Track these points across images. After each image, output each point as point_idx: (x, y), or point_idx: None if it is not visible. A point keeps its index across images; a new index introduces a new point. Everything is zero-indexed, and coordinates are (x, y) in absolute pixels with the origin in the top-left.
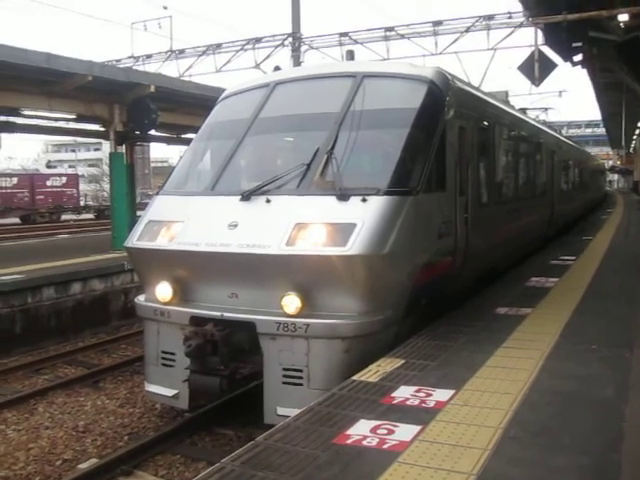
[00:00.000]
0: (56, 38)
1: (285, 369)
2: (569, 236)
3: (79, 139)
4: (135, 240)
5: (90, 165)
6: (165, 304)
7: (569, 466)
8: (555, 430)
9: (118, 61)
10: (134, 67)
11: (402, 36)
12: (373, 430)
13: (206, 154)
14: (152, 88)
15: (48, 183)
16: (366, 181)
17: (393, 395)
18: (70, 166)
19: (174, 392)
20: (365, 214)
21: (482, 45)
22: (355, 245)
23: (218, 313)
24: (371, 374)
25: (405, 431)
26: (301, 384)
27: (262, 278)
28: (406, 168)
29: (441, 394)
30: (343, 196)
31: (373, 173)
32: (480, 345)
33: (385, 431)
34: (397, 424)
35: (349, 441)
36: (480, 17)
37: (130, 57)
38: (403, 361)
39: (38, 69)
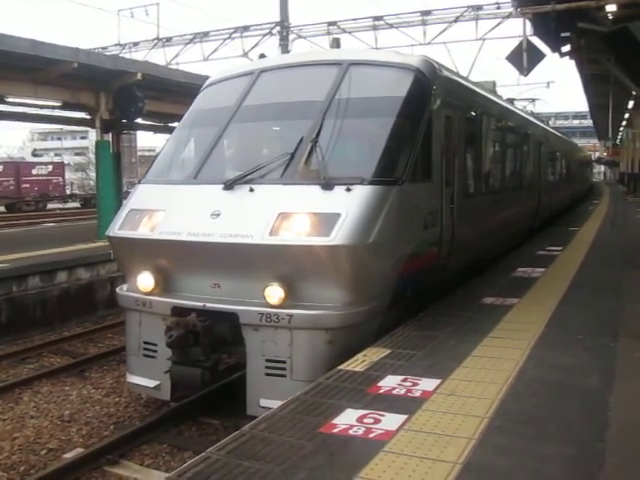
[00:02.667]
0: (41, 25)
1: (268, 360)
2: (556, 227)
3: (65, 127)
4: (117, 229)
5: (76, 153)
6: (147, 294)
7: (555, 455)
8: (541, 419)
9: (104, 48)
10: (121, 55)
11: (391, 26)
12: (359, 419)
13: (189, 142)
14: (139, 76)
15: (34, 171)
16: (351, 170)
17: (379, 384)
18: (56, 154)
19: (156, 383)
20: (349, 204)
21: (470, 35)
22: (339, 235)
23: (200, 303)
24: (357, 363)
25: (391, 420)
26: (284, 375)
27: (245, 268)
28: (391, 158)
29: (427, 384)
30: (327, 185)
31: (358, 162)
32: (466, 335)
33: (371, 420)
34: (383, 413)
35: (335, 430)
36: (469, 7)
37: (117, 44)
38: (389, 351)
39: (23, 56)
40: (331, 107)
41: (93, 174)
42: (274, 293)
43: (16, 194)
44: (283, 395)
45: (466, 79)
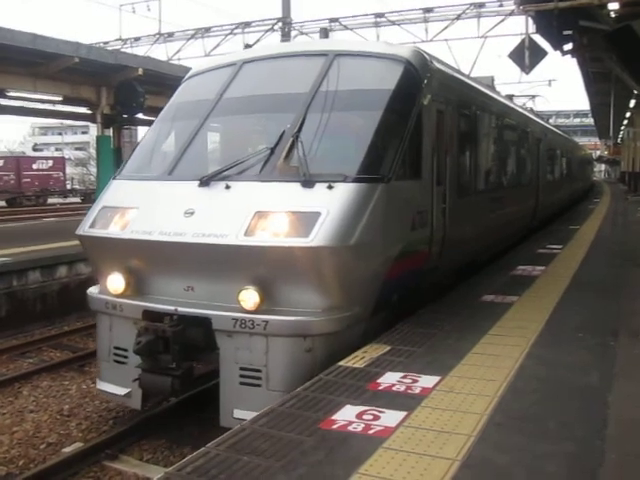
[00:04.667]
0: (42, 19)
1: (242, 369)
2: (556, 225)
3: (66, 122)
4: (87, 227)
5: (77, 148)
6: (117, 296)
7: (554, 452)
8: (540, 417)
9: (106, 43)
10: (122, 50)
11: (392, 22)
12: (359, 416)
13: (167, 136)
14: (140, 71)
15: (34, 166)
16: (334, 167)
17: (379, 381)
18: (57, 149)
19: (126, 391)
20: (331, 202)
21: (472, 33)
22: (318, 236)
23: (172, 307)
24: (357, 360)
25: (391, 417)
26: (259, 385)
27: (219, 270)
28: (377, 154)
29: (427, 380)
30: (308, 183)
31: (341, 159)
32: (466, 332)
33: (371, 417)
34: (383, 410)
35: (335, 426)
36: (471, 5)
37: (118, 39)
38: (389, 347)
39: (24, 50)
40: (315, 100)
41: (94, 169)
42: (249, 297)
43: (17, 189)
44: (258, 406)
45: (461, 73)
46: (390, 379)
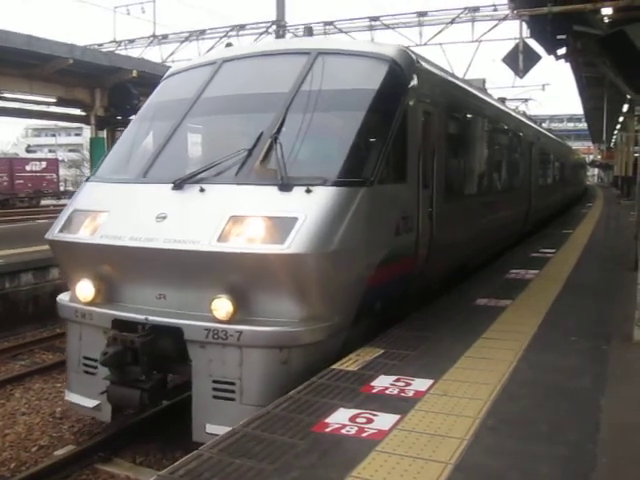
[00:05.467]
0: (36, 20)
1: (215, 381)
2: (549, 229)
3: (60, 123)
4: (56, 232)
5: (70, 150)
6: (87, 304)
7: (547, 456)
8: (533, 420)
9: (100, 45)
10: (116, 52)
11: (387, 26)
12: (352, 419)
13: (143, 137)
14: (134, 73)
15: (27, 168)
16: (313, 170)
17: (372, 384)
18: (50, 151)
19: (96, 403)
20: (309, 207)
21: (467, 37)
22: (295, 242)
23: (142, 316)
24: (351, 363)
25: (384, 420)
26: (233, 399)
27: (191, 278)
28: (359, 156)
29: (420, 384)
30: (285, 186)
31: (322, 161)
32: (459, 336)
33: (364, 420)
34: (376, 413)
35: (328, 429)
36: (465, 9)
37: (112, 41)
38: (383, 350)
39: (18, 51)
40: (295, 100)
41: (87, 171)
42: (221, 306)
43: (9, 190)
44: (232, 421)
45: (450, 74)
46: (383, 382)
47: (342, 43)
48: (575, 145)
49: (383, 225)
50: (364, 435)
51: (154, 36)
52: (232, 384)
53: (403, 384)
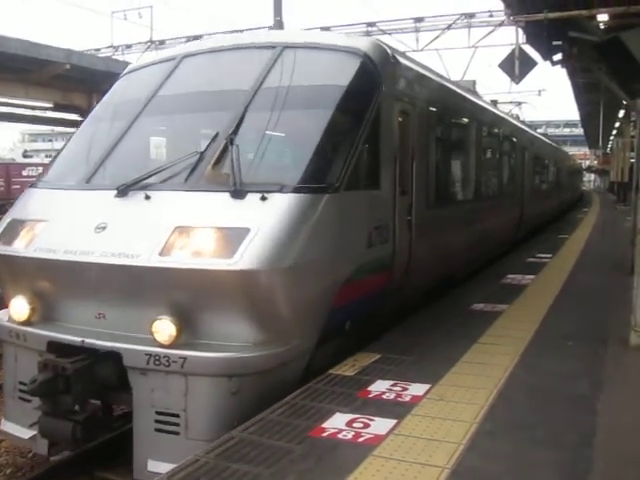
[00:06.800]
0: (33, 25)
1: (158, 413)
2: (545, 234)
3: (56, 129)
4: None
5: None
6: (21, 324)
7: (543, 460)
8: (530, 425)
9: (97, 50)
10: (113, 57)
11: (384, 32)
12: (349, 424)
13: (91, 139)
14: None
15: (24, 173)
16: (272, 175)
17: (369, 389)
18: (47, 156)
19: (31, 434)
20: (263, 217)
21: (463, 43)
22: (245, 257)
23: (79, 338)
24: (347, 368)
25: (380, 425)
26: (177, 433)
27: (131, 296)
28: (323, 160)
29: (417, 388)
30: (238, 193)
31: (282, 165)
32: (456, 340)
33: (360, 425)
34: (373, 418)
35: (324, 434)
36: (461, 15)
37: (109, 47)
38: (379, 355)
39: (15, 56)
40: (256, 98)
41: None
42: (163, 329)
43: (6, 195)
44: (176, 457)
45: (434, 72)
46: (380, 387)
47: (312, 36)
48: (571, 151)
49: (352, 236)
50: (361, 440)
51: (151, 41)
52: (176, 416)
53: (400, 389)
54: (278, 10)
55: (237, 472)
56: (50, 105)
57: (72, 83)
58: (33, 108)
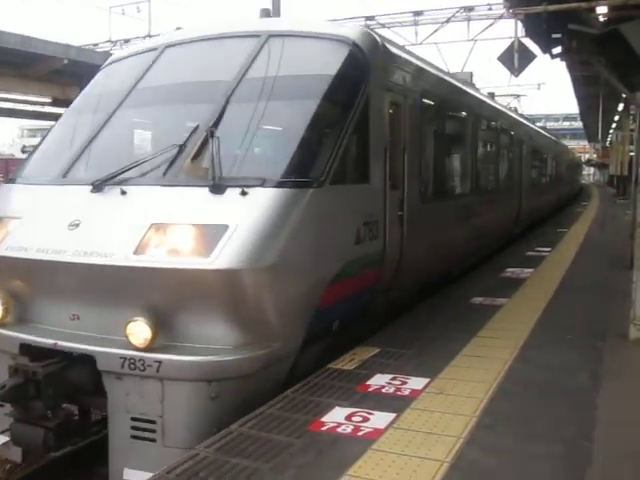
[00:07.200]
0: (30, 20)
1: (134, 419)
2: (544, 228)
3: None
4: None
5: None
6: None
7: (543, 454)
8: (529, 418)
9: (95, 45)
10: (112, 51)
11: (383, 25)
12: (348, 417)
13: (70, 133)
14: None
15: None
16: (253, 169)
17: (368, 383)
18: None
19: (4, 440)
20: (243, 213)
21: (462, 36)
22: (222, 256)
23: (52, 341)
24: (346, 362)
25: (380, 419)
26: (154, 440)
27: (105, 296)
28: (307, 153)
29: (416, 382)
30: (217, 188)
31: (264, 159)
32: (455, 334)
33: (360, 419)
34: (372, 412)
35: (324, 428)
36: (460, 8)
37: (108, 41)
38: (379, 349)
39: (13, 51)
40: (238, 89)
41: None
42: (138, 331)
43: None
44: (153, 465)
45: (427, 62)
46: (379, 381)
47: (298, 24)
48: (571, 144)
49: (338, 233)
50: (360, 434)
51: (149, 36)
52: (152, 422)
53: (399, 383)
54: (276, 4)
55: (236, 466)
56: (49, 100)
57: (71, 78)
58: (32, 103)
